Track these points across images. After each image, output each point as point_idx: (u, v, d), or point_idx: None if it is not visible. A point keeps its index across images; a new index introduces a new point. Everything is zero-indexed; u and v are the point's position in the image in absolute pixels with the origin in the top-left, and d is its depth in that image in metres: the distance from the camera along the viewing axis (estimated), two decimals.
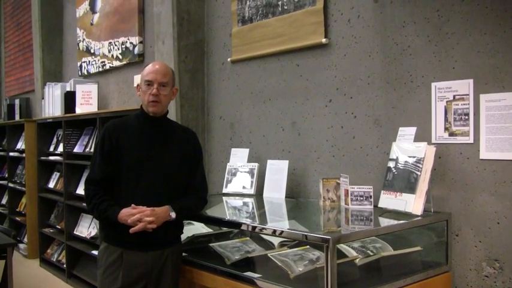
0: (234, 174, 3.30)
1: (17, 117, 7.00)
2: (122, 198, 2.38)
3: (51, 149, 5.80)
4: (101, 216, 2.39)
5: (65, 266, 5.24)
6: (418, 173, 2.32)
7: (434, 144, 2.41)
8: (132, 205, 2.32)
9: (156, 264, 2.41)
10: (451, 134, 2.38)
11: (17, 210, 6.57)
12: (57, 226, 5.55)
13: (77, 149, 5.10)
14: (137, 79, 4.59)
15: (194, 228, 2.93)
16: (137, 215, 2.29)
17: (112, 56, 5.04)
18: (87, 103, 5.11)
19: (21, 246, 6.46)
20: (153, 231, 2.33)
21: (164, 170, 2.44)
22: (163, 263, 2.43)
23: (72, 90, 5.31)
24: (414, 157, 2.37)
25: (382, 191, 2.49)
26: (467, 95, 2.32)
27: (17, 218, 6.49)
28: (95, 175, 2.42)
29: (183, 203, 2.47)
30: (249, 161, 3.32)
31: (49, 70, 6.37)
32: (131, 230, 2.29)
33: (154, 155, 2.43)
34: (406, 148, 2.44)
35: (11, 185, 6.66)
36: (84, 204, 2.78)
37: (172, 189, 2.46)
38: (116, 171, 2.40)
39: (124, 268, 2.36)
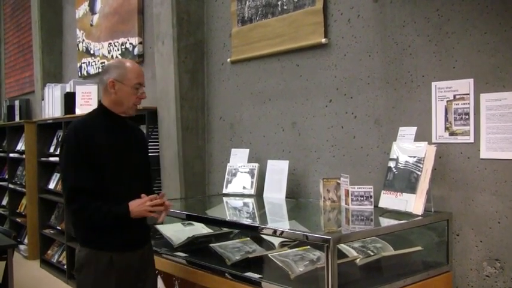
0: (234, 175, 3.29)
1: (17, 119, 6.99)
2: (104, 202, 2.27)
3: (51, 150, 5.80)
4: (106, 218, 2.25)
5: (65, 267, 5.24)
6: (419, 173, 2.32)
7: (434, 143, 2.40)
8: (142, 194, 2.29)
9: (142, 261, 2.40)
10: (452, 134, 2.38)
11: (17, 211, 6.58)
12: (58, 227, 5.55)
13: None
14: None
15: (194, 229, 2.93)
16: (158, 200, 2.28)
17: (112, 56, 5.04)
18: (87, 104, 5.11)
19: (22, 247, 6.47)
20: (139, 229, 2.36)
21: (138, 169, 2.42)
22: (146, 259, 2.43)
23: (72, 91, 5.31)
24: (415, 157, 2.37)
25: (382, 191, 2.49)
26: (468, 94, 2.32)
27: (18, 219, 6.49)
28: (82, 183, 2.22)
29: None
30: (249, 161, 3.31)
31: (49, 71, 6.37)
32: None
33: (130, 155, 2.39)
34: (406, 148, 2.43)
35: (11, 186, 6.66)
36: None
37: (144, 186, 2.45)
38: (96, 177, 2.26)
39: (116, 271, 2.29)
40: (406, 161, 2.40)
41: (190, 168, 3.75)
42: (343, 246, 2.26)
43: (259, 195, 3.15)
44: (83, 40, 5.69)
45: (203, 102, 3.85)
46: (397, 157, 2.46)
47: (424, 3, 2.48)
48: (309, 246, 2.39)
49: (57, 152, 5.56)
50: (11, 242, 3.68)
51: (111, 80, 2.32)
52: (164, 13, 3.79)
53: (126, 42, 4.78)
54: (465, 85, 2.33)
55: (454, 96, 2.37)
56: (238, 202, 3.10)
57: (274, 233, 2.21)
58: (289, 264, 2.22)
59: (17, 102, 7.09)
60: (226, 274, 2.35)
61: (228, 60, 3.61)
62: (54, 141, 5.85)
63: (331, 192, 2.70)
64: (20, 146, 6.60)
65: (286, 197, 3.01)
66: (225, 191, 3.29)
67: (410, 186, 2.34)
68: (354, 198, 2.53)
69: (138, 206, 2.26)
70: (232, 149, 3.46)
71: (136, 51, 4.61)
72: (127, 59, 4.70)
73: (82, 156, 2.24)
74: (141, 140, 2.55)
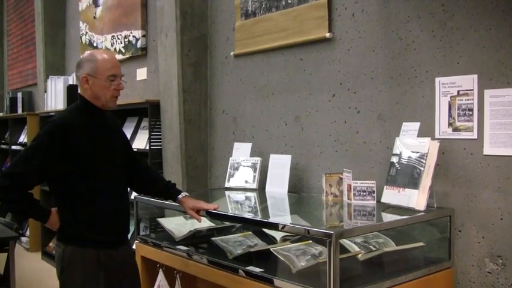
0: (237, 169, 3.29)
1: (20, 111, 6.99)
2: (92, 205, 2.25)
3: None
4: (19, 211, 2.32)
5: None
6: (422, 169, 2.32)
7: (437, 139, 2.40)
8: None
9: (125, 259, 2.39)
10: (455, 130, 2.37)
11: None
12: None
13: None
14: (140, 73, 4.64)
15: (196, 223, 2.92)
16: None
17: (115, 49, 5.03)
18: None
19: (24, 239, 6.49)
20: (121, 226, 2.39)
21: (121, 164, 2.41)
22: (129, 257, 2.44)
23: (74, 83, 5.31)
24: (418, 152, 2.36)
25: (385, 186, 2.49)
26: (472, 90, 2.31)
27: None
28: (29, 174, 2.14)
29: (167, 181, 2.60)
30: (252, 155, 3.31)
31: (52, 63, 6.37)
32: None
33: (112, 152, 2.36)
34: (409, 143, 2.43)
35: None
36: None
37: (125, 179, 2.47)
38: (77, 179, 2.22)
39: (103, 270, 2.25)
40: (409, 157, 2.40)
41: (192, 162, 3.76)
42: (345, 241, 2.26)
43: (261, 189, 3.15)
44: (86, 32, 5.68)
45: (206, 96, 3.85)
46: (400, 152, 2.45)
47: None
48: (311, 241, 2.39)
49: None
50: (12, 234, 3.69)
51: (84, 75, 2.26)
52: (167, 6, 3.78)
53: (129, 35, 4.77)
54: (469, 81, 2.32)
55: (458, 92, 2.36)
56: (240, 196, 3.10)
57: (276, 227, 2.21)
58: (291, 259, 2.22)
59: (19, 94, 7.09)
60: (227, 268, 2.35)
61: (232, 53, 3.60)
62: None
63: (334, 187, 2.70)
64: (23, 138, 6.61)
65: (288, 192, 3.01)
66: (227, 185, 3.29)
67: (413, 182, 2.34)
68: (356, 193, 2.53)
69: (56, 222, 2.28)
70: (235, 143, 3.46)
71: (139, 44, 4.60)
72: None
73: (45, 159, 2.16)
74: (120, 130, 2.54)
